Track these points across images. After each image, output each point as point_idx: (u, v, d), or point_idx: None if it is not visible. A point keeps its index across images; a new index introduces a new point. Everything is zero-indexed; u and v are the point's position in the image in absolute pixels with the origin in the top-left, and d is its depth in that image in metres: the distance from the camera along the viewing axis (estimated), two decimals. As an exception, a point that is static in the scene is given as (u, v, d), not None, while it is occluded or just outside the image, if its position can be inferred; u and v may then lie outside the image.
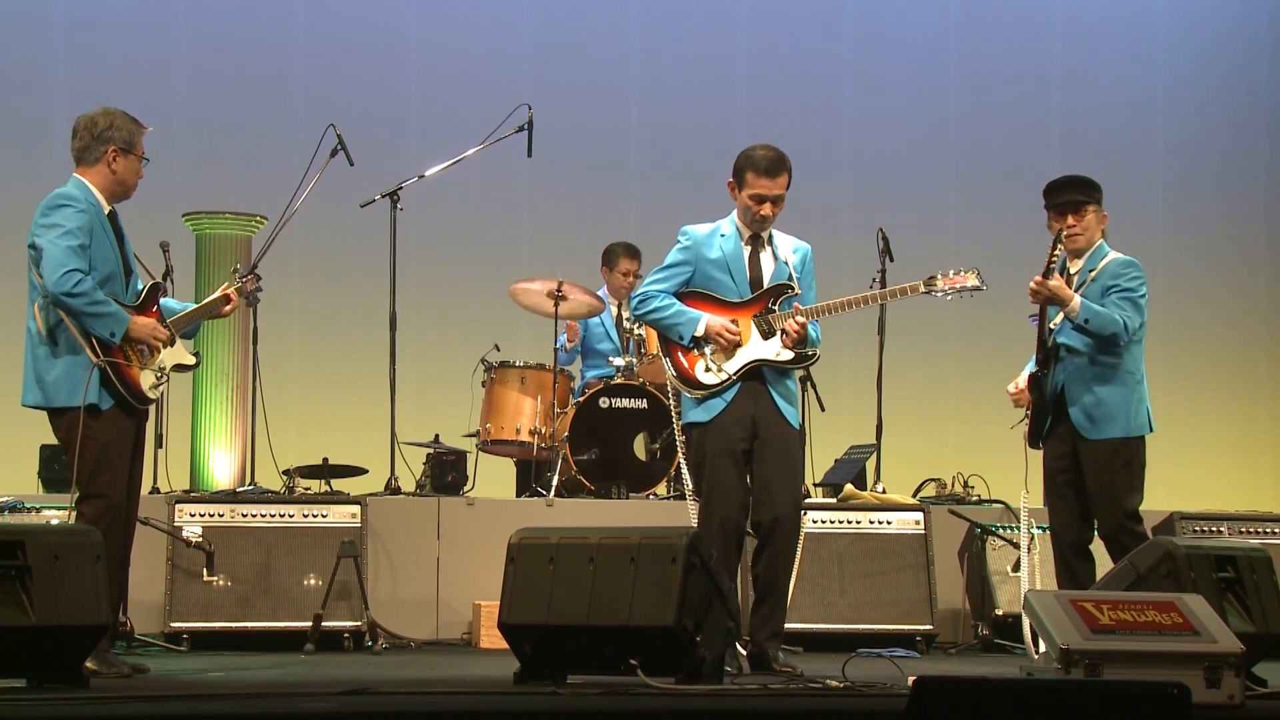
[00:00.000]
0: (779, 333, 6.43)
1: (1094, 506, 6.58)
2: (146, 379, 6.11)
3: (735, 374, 6.42)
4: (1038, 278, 6.53)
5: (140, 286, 6.24)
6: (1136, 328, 6.57)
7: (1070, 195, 6.72)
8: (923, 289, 6.60)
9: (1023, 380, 6.92)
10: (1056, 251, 6.55)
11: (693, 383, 6.47)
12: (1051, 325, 6.66)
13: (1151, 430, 6.65)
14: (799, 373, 6.91)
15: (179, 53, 11.26)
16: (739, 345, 6.43)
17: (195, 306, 6.46)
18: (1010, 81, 12.27)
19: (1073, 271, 6.70)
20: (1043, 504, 6.89)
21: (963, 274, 6.58)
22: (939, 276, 6.59)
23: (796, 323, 6.39)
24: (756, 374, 6.44)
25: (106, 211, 6.09)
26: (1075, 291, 6.59)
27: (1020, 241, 11.97)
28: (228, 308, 6.55)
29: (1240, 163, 12.54)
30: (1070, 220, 6.68)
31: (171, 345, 6.23)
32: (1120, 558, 6.34)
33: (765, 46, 12.05)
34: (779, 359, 6.45)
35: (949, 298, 6.62)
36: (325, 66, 11.37)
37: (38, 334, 6.00)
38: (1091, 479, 6.57)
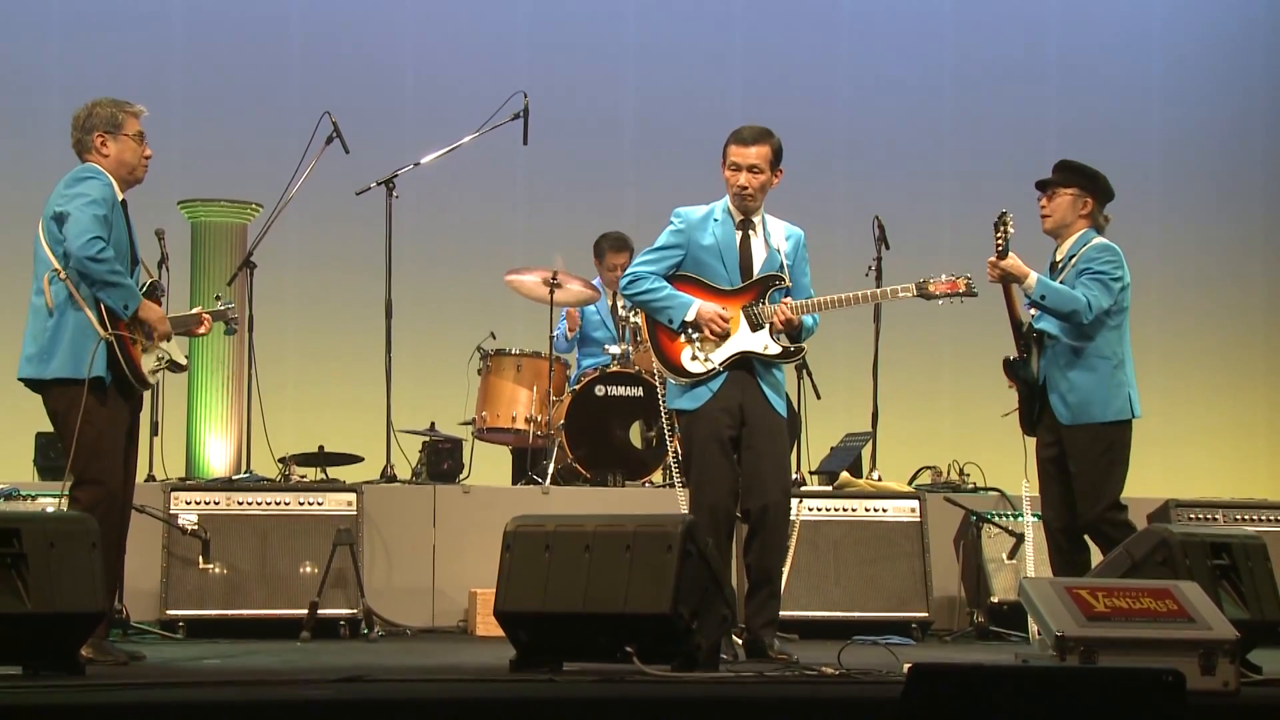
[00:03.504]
0: (767, 325, 6.43)
1: (1076, 495, 6.58)
2: (148, 362, 6.13)
3: (721, 364, 6.42)
4: (992, 258, 6.56)
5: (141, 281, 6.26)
6: (1103, 309, 6.55)
7: (1048, 176, 6.75)
8: (914, 292, 6.60)
9: None
10: (1000, 233, 6.56)
11: (678, 370, 6.46)
12: (1033, 311, 6.68)
13: (1135, 415, 6.62)
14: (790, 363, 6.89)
15: (175, 40, 11.24)
16: (727, 335, 6.43)
17: (173, 316, 6.46)
18: (1006, 72, 12.25)
19: (1057, 258, 6.73)
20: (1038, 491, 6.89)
21: (955, 280, 6.58)
22: (931, 281, 6.59)
23: (784, 316, 6.39)
24: (744, 364, 6.44)
25: (120, 200, 6.12)
26: (1057, 277, 6.61)
27: (1016, 232, 12.04)
28: (201, 329, 6.61)
29: (1236, 154, 12.53)
30: (1042, 201, 6.75)
31: (168, 340, 6.27)
32: (1106, 547, 6.35)
33: (761, 35, 12.04)
34: (766, 352, 6.44)
35: (940, 303, 6.62)
36: (320, 54, 11.35)
37: (45, 308, 5.99)
38: (1073, 467, 6.57)
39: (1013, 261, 6.55)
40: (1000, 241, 6.55)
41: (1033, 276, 6.55)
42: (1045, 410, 6.64)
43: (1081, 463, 6.54)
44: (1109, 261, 6.61)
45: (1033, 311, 6.69)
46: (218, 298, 7.52)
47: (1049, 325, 6.62)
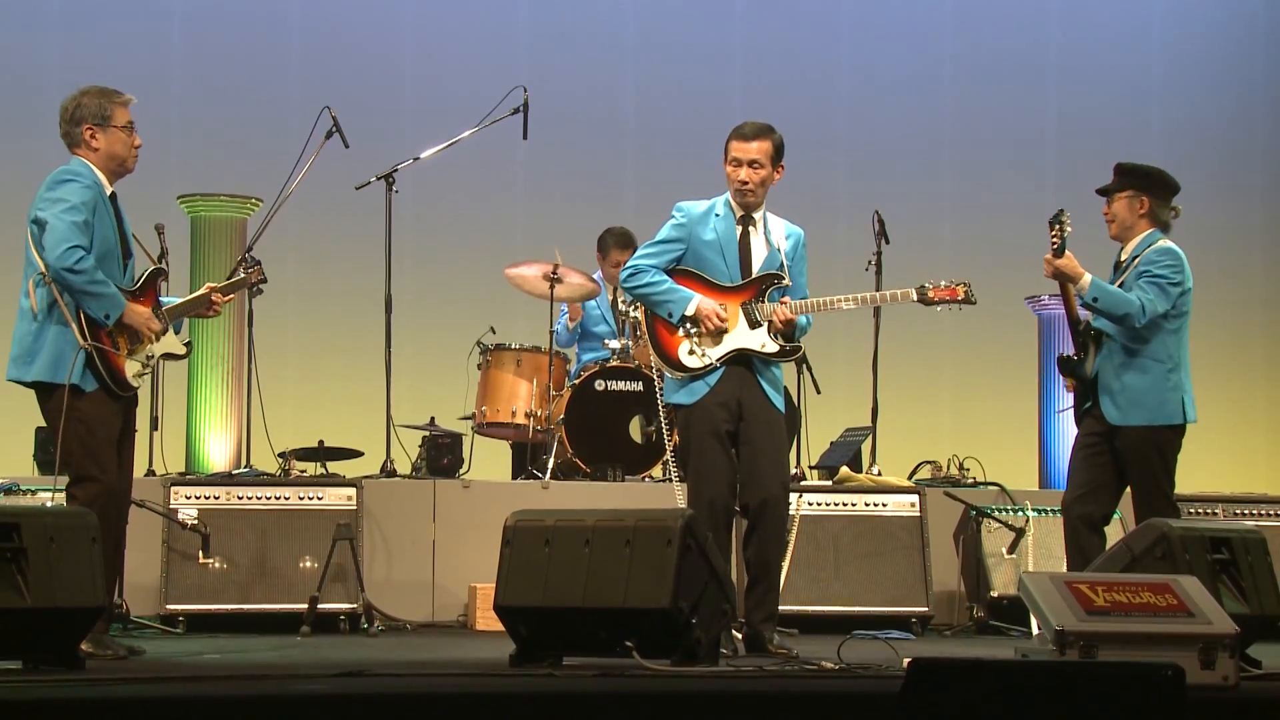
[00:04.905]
0: (766, 323, 6.44)
1: (1135, 495, 6.62)
2: (131, 367, 6.07)
3: (718, 360, 6.43)
4: (1047, 256, 6.56)
5: (137, 270, 6.23)
6: (1159, 312, 6.55)
7: (1108, 182, 6.77)
8: (914, 297, 6.61)
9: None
10: (1055, 230, 6.57)
11: (675, 364, 6.48)
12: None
13: (1188, 420, 6.63)
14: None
15: (174, 35, 11.23)
16: (725, 331, 6.44)
17: (179, 302, 6.42)
18: (1006, 67, 12.25)
19: (1121, 258, 6.75)
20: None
21: (954, 286, 6.58)
22: (930, 288, 6.59)
23: (783, 317, 6.40)
24: (742, 360, 6.45)
25: (109, 193, 6.09)
26: (1119, 278, 6.62)
27: (1016, 227, 12.03)
28: (210, 310, 6.50)
29: (1236, 149, 12.53)
30: (1105, 208, 6.77)
31: (160, 337, 6.22)
32: None
33: (762, 30, 12.04)
34: (764, 350, 6.45)
35: (939, 309, 6.63)
36: (320, 48, 11.35)
37: (31, 311, 5.97)
38: (1130, 467, 6.60)
39: (1068, 261, 6.55)
40: (1056, 240, 6.55)
41: (1087, 278, 6.55)
42: (1094, 405, 6.66)
43: (1138, 463, 6.58)
44: (1169, 266, 6.62)
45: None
46: (241, 260, 7.33)
47: (1105, 324, 6.64)
